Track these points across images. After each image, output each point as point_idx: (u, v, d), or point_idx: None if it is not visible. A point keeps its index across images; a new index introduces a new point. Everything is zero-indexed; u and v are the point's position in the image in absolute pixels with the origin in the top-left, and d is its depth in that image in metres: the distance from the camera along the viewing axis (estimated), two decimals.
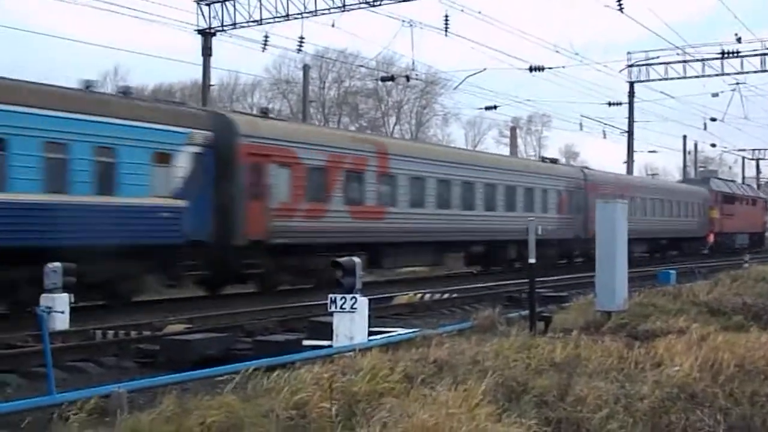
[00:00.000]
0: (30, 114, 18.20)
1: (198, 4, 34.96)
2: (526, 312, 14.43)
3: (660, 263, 35.08)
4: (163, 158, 21.36)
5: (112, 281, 20.07)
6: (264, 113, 28.29)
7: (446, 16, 33.57)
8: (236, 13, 34.52)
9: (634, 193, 44.36)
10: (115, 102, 21.52)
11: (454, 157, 33.68)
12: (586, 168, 46.38)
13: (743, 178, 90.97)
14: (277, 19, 34.20)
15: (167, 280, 22.05)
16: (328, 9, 33.55)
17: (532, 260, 14.13)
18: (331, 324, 12.63)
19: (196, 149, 22.17)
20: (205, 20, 34.81)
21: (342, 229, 26.05)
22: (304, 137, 26.32)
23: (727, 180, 70.26)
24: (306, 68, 43.60)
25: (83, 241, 18.27)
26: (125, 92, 22.68)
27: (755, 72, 47.11)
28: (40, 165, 18.37)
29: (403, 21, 34.09)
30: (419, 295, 21.94)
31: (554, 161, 45.00)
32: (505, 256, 34.74)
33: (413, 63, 39.33)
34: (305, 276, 25.43)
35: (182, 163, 21.77)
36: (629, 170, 54.13)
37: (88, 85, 21.53)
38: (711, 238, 53.50)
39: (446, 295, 22.35)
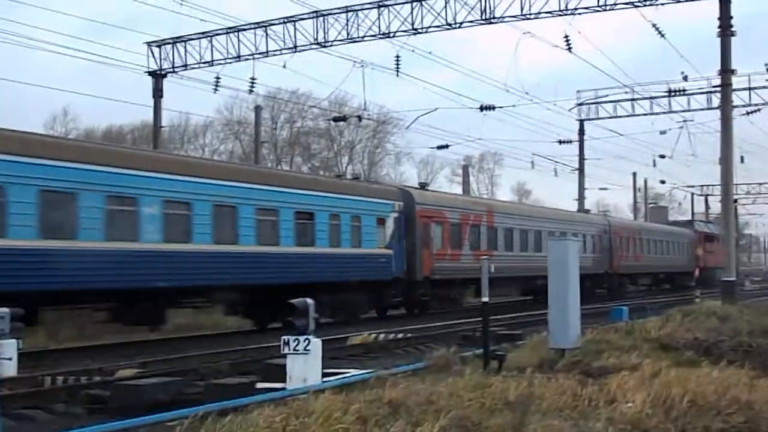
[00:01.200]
0: (321, 195, 28.49)
1: (149, 46, 34.94)
2: (480, 351, 14.43)
3: (655, 294, 39.50)
4: (381, 221, 31.32)
5: (353, 304, 29.45)
6: (422, 186, 38.66)
7: (397, 57, 33.88)
8: (187, 54, 34.59)
9: (642, 235, 55.53)
10: (360, 186, 33.36)
11: (530, 212, 45.67)
12: (608, 215, 59.07)
13: (692, 213, 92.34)
14: (228, 61, 34.30)
15: (379, 304, 32.09)
16: (280, 50, 33.71)
17: (485, 299, 14.18)
18: (284, 366, 12.54)
19: (396, 214, 32.13)
20: (156, 62, 34.82)
21: (469, 268, 32.95)
22: (447, 202, 37.09)
23: (706, 221, 78.59)
24: (258, 109, 43.68)
25: (344, 278, 28.58)
26: (357, 177, 35.57)
27: (701, 110, 47.97)
28: (325, 228, 28.40)
29: (355, 61, 34.35)
30: (374, 336, 21.89)
31: (587, 211, 54.44)
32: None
33: (365, 103, 39.60)
34: (447, 301, 35.28)
35: (390, 224, 31.73)
36: (581, 207, 54.69)
37: (349, 176, 33.90)
38: (697, 272, 58.04)
39: (401, 335, 22.31)
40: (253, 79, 34.72)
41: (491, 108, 41.91)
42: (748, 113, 45.01)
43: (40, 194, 19.43)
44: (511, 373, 11.98)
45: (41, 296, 19.14)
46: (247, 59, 34.08)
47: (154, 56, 34.79)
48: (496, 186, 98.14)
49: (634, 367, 12.76)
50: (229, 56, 34.03)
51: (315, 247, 27.71)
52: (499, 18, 32.16)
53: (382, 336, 22.00)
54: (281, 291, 22.85)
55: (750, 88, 45.40)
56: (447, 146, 47.24)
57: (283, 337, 12.58)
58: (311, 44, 33.20)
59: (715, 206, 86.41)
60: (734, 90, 33.16)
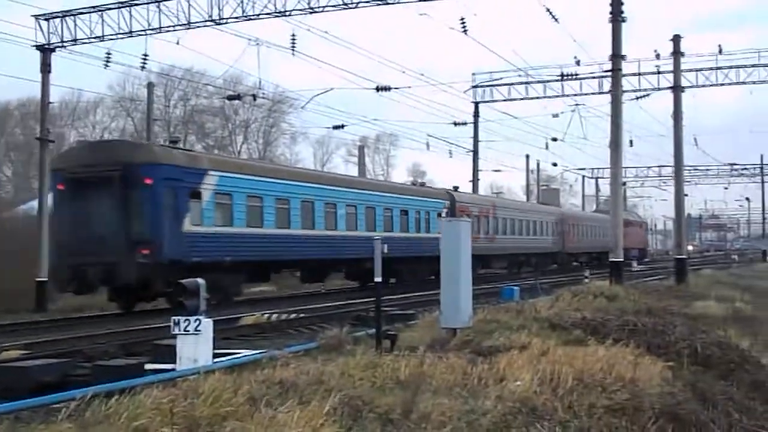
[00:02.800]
0: (409, 198, 41.62)
1: (37, 19, 33.86)
2: (373, 331, 14.49)
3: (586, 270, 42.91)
4: (437, 215, 41.30)
5: (422, 272, 38.21)
6: (456, 189, 48.78)
7: (293, 36, 33.57)
8: (77, 29, 33.62)
9: (585, 222, 69.33)
10: (427, 191, 46.04)
11: (519, 206, 60.46)
12: (564, 209, 72.68)
13: (583, 196, 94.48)
14: (119, 36, 33.47)
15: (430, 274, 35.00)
16: (173, 26, 33.04)
17: (378, 279, 14.23)
18: (174, 347, 12.37)
19: (445, 210, 42.88)
20: (45, 36, 33.74)
21: (484, 248, 45.14)
22: (470, 200, 48.80)
23: (628, 211, 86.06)
24: (150, 86, 42.86)
25: (414, 254, 37.69)
26: (420, 184, 50.16)
27: (593, 94, 48.96)
28: (409, 220, 40.96)
29: (250, 39, 33.92)
30: (266, 316, 21.77)
31: (547, 204, 67.46)
32: (532, 262, 55.80)
33: (260, 82, 39.26)
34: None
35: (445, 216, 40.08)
36: (474, 189, 55.36)
37: (416, 183, 49.01)
38: None
39: (294, 316, 22.26)
40: (145, 55, 33.98)
41: (387, 89, 42.02)
42: (637, 98, 46.10)
43: (246, 198, 29.16)
44: (403, 353, 12.05)
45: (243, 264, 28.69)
46: (140, 35, 33.30)
47: (42, 30, 33.71)
48: (391, 167, 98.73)
49: (523, 346, 12.96)
50: (121, 31, 33.21)
51: (396, 233, 38.57)
52: None
53: (275, 316, 21.92)
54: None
55: (639, 74, 46.50)
56: (343, 126, 47.22)
57: (173, 318, 12.41)
58: (205, 21, 32.62)
59: (606, 188, 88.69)
60: (624, 75, 33.88)
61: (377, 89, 41.81)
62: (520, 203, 64.73)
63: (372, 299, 15.37)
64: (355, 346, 13.55)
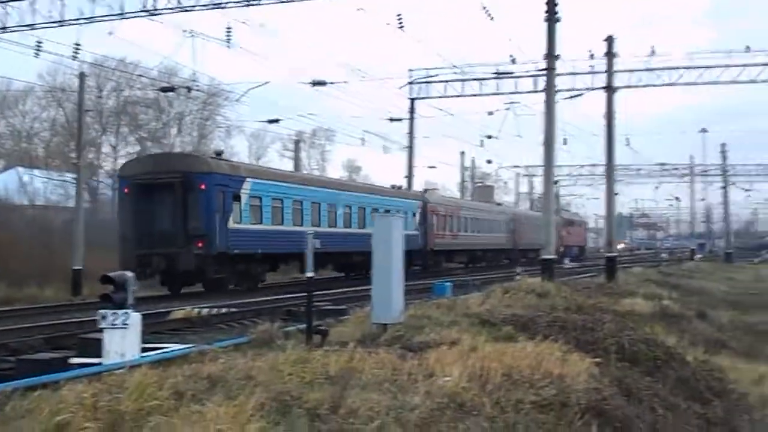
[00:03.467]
0: (392, 199, 46.45)
1: None
2: (304, 326, 14.44)
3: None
4: (414, 214, 47.68)
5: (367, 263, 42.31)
6: (425, 190, 58.50)
7: (228, 28, 33.28)
8: (7, 16, 32.91)
9: (533, 221, 68.53)
10: (408, 193, 51.36)
11: (479, 206, 64.09)
12: (515, 209, 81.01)
13: (517, 193, 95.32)
14: (51, 25, 32.83)
15: (416, 266, 44.93)
16: (106, 16, 32.50)
17: (310, 274, 14.19)
18: (101, 340, 12.19)
19: (419, 210, 49.01)
20: None
21: (449, 243, 53.80)
22: (438, 200, 55.17)
23: (569, 211, 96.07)
24: (82, 76, 42.06)
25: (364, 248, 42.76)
26: (398, 187, 51.94)
27: (528, 92, 49.27)
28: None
29: (185, 31, 33.53)
30: (197, 310, 21.56)
31: (500, 204, 74.11)
32: (493, 257, 62.20)
33: (195, 74, 38.85)
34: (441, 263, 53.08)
35: (417, 216, 48.59)
36: (409, 185, 55.50)
37: (395, 186, 51.34)
38: (561, 249, 74.98)
39: (225, 310, 22.07)
40: (77, 45, 33.43)
41: (323, 84, 41.95)
42: (571, 97, 46.42)
43: (271, 200, 34.39)
44: (333, 348, 12.03)
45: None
46: (72, 24, 32.71)
47: None
48: (327, 162, 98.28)
49: (453, 342, 13.02)
50: (52, 20, 32.59)
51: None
52: None
53: (205, 310, 21.71)
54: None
55: (574, 74, 47.01)
56: (278, 120, 47.03)
57: (100, 311, 12.23)
58: (139, 12, 32.17)
59: (540, 186, 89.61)
60: (558, 75, 34.22)
61: (313, 84, 41.75)
62: (480, 204, 68.09)
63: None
64: (285, 341, 13.50)
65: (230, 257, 30.93)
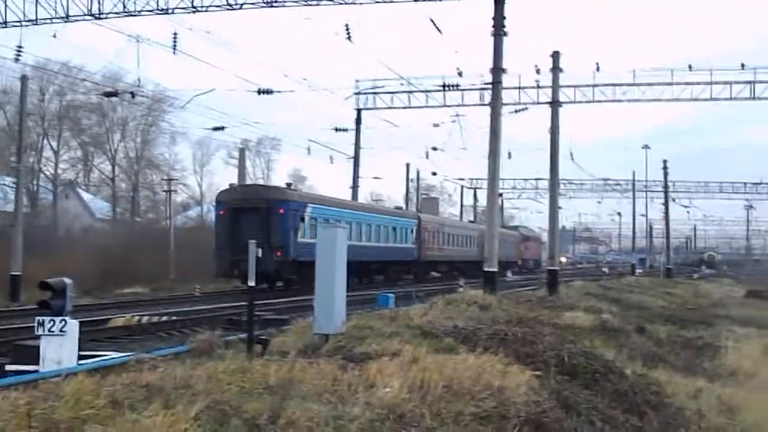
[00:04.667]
0: (395, 218, 56.94)
1: None
2: (245, 335, 14.37)
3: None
4: (411, 230, 57.04)
5: (395, 274, 53.06)
6: (418, 210, 68.97)
7: (174, 34, 33.08)
8: None
9: (501, 239, 77.69)
10: (406, 212, 63.46)
11: (457, 224, 76.29)
12: (483, 226, 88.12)
13: (461, 205, 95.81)
14: None
15: (409, 274, 55.47)
16: (50, 18, 32.13)
17: (251, 283, 14.13)
18: (38, 348, 12.01)
19: (415, 226, 57.44)
20: None
21: (436, 256, 62.55)
22: (429, 219, 62.95)
23: (527, 227, 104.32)
24: (24, 79, 41.46)
25: (390, 258, 52.74)
26: (399, 207, 68.30)
27: (474, 105, 49.64)
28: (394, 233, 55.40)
29: (130, 36, 33.26)
30: (137, 318, 21.35)
31: (473, 222, 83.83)
32: (467, 268, 62.85)
33: (140, 80, 38.53)
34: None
35: (413, 231, 57.22)
36: (354, 196, 55.51)
37: (399, 207, 69.47)
38: (520, 262, 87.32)
39: (166, 318, 21.89)
40: (19, 47, 32.97)
41: (269, 92, 41.82)
42: (516, 111, 46.90)
43: (323, 221, 41.21)
44: (274, 358, 11.98)
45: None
46: (14, 26, 32.29)
47: None
48: (272, 171, 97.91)
49: (394, 353, 13.01)
50: None
51: (390, 243, 54.14)
52: (281, 2, 32.05)
53: (146, 318, 21.51)
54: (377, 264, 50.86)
55: (520, 88, 47.49)
56: (223, 128, 46.76)
57: (37, 318, 12.06)
58: (84, 15, 31.84)
59: (484, 199, 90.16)
60: (504, 88, 34.46)
61: (259, 92, 41.58)
62: (458, 222, 79.07)
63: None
64: (226, 350, 13.42)
65: (298, 263, 39.13)
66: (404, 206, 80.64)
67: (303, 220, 41.63)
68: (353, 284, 44.15)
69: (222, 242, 40.21)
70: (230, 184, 49.49)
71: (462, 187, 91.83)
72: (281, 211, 40.28)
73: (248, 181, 68.31)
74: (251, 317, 14.18)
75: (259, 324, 15.87)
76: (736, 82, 47.89)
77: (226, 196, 43.05)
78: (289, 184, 46.31)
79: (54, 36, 32.58)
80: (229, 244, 38.94)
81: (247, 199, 41.17)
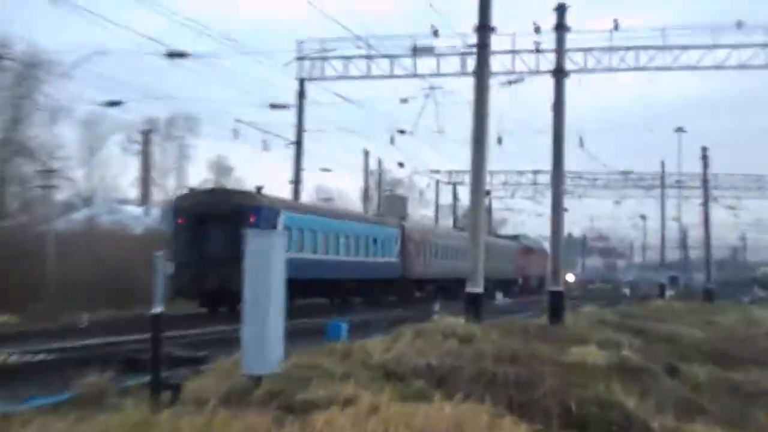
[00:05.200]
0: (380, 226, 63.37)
1: None
2: (148, 378, 14.27)
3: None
4: (395, 241, 62.90)
5: (376, 294, 59.12)
6: (401, 218, 71.75)
7: None
8: None
9: (494, 250, 77.05)
10: (387, 220, 65.84)
11: (445, 232, 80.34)
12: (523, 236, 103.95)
13: (437, 206, 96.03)
14: None
15: (392, 295, 61.63)
16: None
17: (157, 309, 14.04)
18: None
19: (399, 236, 63.25)
20: None
21: (421, 272, 67.07)
22: (413, 227, 69.40)
23: (529, 237, 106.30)
24: None
25: (370, 276, 57.91)
26: (382, 215, 69.90)
27: (453, 75, 49.76)
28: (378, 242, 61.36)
29: None
30: (1, 357, 21.12)
31: (462, 230, 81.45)
32: (457, 287, 62.87)
33: (7, 39, 38.26)
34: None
35: (397, 243, 63.00)
36: (296, 192, 55.45)
37: (379, 213, 72.80)
38: (520, 280, 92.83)
39: (42, 357, 21.70)
40: None
41: (183, 55, 41.69)
42: (509, 83, 47.02)
43: (297, 231, 48.14)
44: (187, 408, 11.93)
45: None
46: None
47: None
48: (187, 159, 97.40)
49: (348, 400, 13.03)
50: None
51: (370, 257, 59.14)
52: None
53: (14, 357, 21.30)
54: (354, 282, 56.55)
55: (514, 52, 47.71)
56: (120, 103, 46.53)
57: None
58: None
59: (466, 197, 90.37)
60: (494, 52, 34.55)
61: (169, 55, 41.42)
62: (448, 230, 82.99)
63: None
64: (122, 398, 13.32)
65: None
66: (362, 207, 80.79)
67: (275, 229, 44.59)
68: (320, 309, 47.37)
69: (180, 256, 42.48)
70: (190, 189, 53.49)
71: (438, 182, 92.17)
72: (252, 219, 43.19)
73: (156, 177, 68.17)
74: (157, 354, 14.07)
75: (169, 363, 15.74)
76: None
77: (186, 202, 46.86)
78: (259, 188, 49.08)
79: None
80: (191, 258, 42.40)
81: (212, 205, 44.59)
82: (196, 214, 44.15)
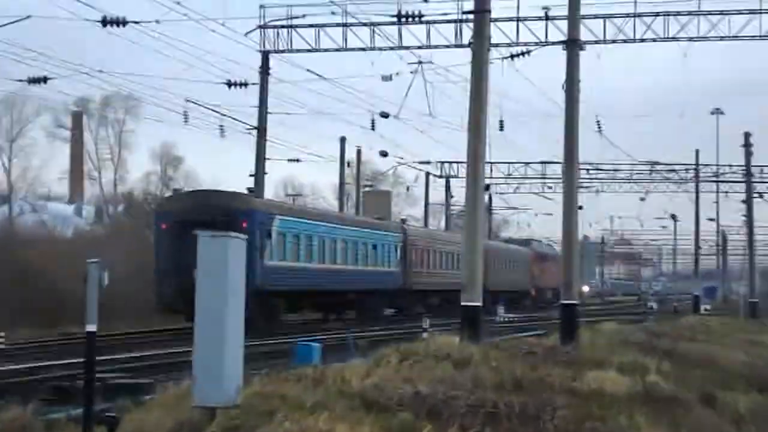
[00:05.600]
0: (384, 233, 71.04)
1: None
2: (80, 411, 14.30)
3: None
4: (396, 247, 70.58)
5: (376, 307, 66.30)
6: (403, 221, 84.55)
7: None
8: None
9: (505, 256, 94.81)
10: (389, 224, 77.02)
11: (448, 237, 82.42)
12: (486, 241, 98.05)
13: (426, 203, 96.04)
14: None
15: (391, 307, 70.51)
16: None
17: (91, 327, 14.06)
18: None
19: (400, 242, 71.18)
20: None
21: (424, 283, 74.28)
22: (416, 232, 78.63)
23: (542, 242, 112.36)
24: None
25: (368, 287, 64.11)
26: (382, 218, 77.31)
27: (446, 47, 49.76)
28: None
29: None
30: None
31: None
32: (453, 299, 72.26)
33: None
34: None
35: (398, 250, 70.72)
36: (259, 188, 55.44)
37: (381, 218, 78.29)
38: (533, 292, 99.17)
39: None
40: None
41: (122, 23, 41.67)
42: (512, 57, 46.96)
43: (292, 237, 54.83)
44: None
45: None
46: None
47: None
48: (126, 147, 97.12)
49: None
50: None
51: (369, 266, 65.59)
52: None
53: None
54: (351, 294, 64.25)
55: (518, 19, 47.76)
56: (46, 80, 46.46)
57: None
58: None
59: (461, 194, 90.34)
60: (494, 20, 34.62)
61: (105, 23, 41.41)
62: (451, 235, 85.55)
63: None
64: None
65: (265, 294, 48.33)
66: (338, 203, 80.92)
67: (270, 236, 50.94)
68: (313, 325, 55.26)
69: (164, 264, 47.89)
70: (174, 190, 57.11)
71: (427, 175, 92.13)
72: (244, 224, 46.32)
73: (90, 169, 68.02)
74: (91, 382, 14.10)
75: (105, 392, 15.77)
76: None
77: (170, 206, 52.24)
78: (250, 189, 54.41)
79: None
80: (175, 267, 45.42)
81: (200, 209, 47.84)
82: (181, 219, 46.59)
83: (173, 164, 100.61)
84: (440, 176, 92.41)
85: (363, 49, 52.02)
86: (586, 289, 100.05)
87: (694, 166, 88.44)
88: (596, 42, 46.85)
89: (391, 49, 50.99)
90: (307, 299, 56.71)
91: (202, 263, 15.50)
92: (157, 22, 42.22)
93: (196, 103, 54.58)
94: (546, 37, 47.01)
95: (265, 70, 54.82)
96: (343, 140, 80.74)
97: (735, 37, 50.38)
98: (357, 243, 63.12)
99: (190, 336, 15.32)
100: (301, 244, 55.11)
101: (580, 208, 45.76)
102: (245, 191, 54.36)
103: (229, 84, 52.83)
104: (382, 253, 66.81)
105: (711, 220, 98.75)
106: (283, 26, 53.39)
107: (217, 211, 46.44)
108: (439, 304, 73.47)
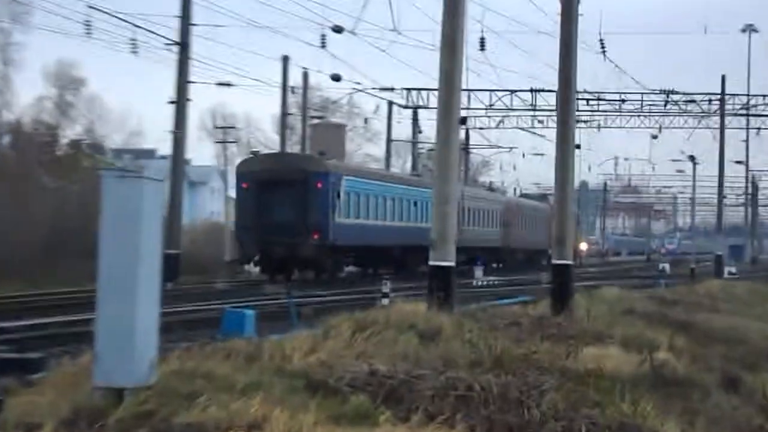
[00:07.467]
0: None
1: None
2: None
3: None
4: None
5: (418, 263, 72.90)
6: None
7: None
8: None
9: (530, 213, 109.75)
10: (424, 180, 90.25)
11: (475, 193, 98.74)
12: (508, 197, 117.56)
13: (389, 140, 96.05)
14: None
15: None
16: None
17: None
18: None
19: None
20: None
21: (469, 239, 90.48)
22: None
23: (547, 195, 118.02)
24: None
25: (413, 243, 76.11)
26: (325, 154, 77.17)
27: None
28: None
29: None
30: None
31: (493, 190, 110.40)
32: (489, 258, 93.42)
33: None
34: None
35: None
36: (180, 117, 55.44)
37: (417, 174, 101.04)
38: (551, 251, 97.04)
39: None
40: None
41: None
42: None
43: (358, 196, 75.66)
44: None
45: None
46: None
47: None
48: (14, 66, 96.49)
49: (254, 424, 13.09)
50: None
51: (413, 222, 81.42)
52: None
53: None
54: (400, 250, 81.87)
55: None
56: None
57: None
58: None
59: (432, 128, 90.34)
60: None
61: None
62: (476, 190, 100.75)
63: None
64: None
65: (336, 248, 65.10)
66: (280, 138, 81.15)
67: (339, 196, 66.71)
68: (362, 279, 71.73)
69: (245, 221, 64.27)
70: (251, 152, 69.40)
71: (390, 104, 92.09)
72: (319, 185, 64.00)
73: None
74: None
75: None
76: None
77: (250, 167, 68.61)
78: (321, 153, 68.96)
79: None
80: (256, 224, 62.80)
81: (278, 170, 65.72)
82: (260, 178, 64.31)
83: (72, 88, 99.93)
84: (406, 106, 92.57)
85: None
86: (584, 246, 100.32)
87: (718, 96, 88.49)
88: None
89: None
90: (364, 254, 73.01)
91: (108, 211, 15.09)
92: None
93: (101, 10, 54.41)
94: None
95: None
96: (285, 60, 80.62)
97: None
98: (402, 200, 78.87)
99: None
100: (361, 203, 71.41)
101: (578, 147, 45.77)
102: (317, 154, 69.71)
103: None
104: (421, 209, 77.72)
105: (739, 162, 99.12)
106: None
107: (296, 173, 63.32)
108: (465, 261, 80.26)
